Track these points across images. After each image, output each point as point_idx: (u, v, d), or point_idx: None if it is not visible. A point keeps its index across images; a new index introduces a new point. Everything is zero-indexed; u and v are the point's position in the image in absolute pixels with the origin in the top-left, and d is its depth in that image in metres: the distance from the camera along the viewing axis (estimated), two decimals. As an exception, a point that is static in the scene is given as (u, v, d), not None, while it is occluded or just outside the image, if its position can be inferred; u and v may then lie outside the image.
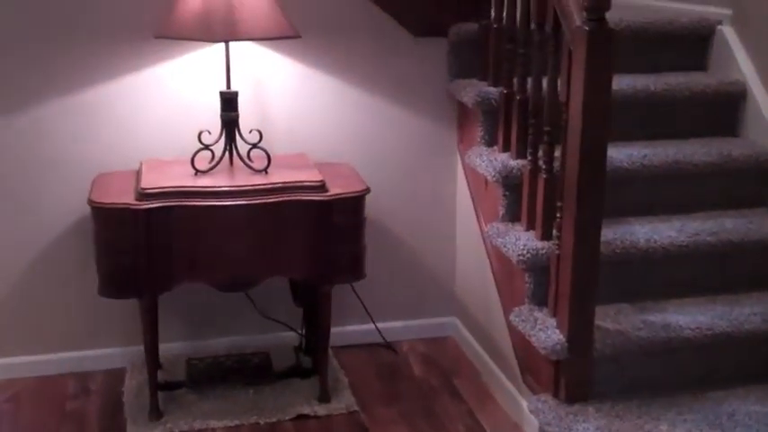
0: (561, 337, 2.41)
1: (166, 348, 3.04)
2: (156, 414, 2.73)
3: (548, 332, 2.44)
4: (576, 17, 2.22)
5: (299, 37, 2.70)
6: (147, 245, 2.56)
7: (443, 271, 3.31)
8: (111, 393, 2.93)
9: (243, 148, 2.77)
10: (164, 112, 2.93)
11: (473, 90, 2.92)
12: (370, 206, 3.05)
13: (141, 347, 2.74)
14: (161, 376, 2.94)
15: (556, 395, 2.48)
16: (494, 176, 2.75)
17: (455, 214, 3.25)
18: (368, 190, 2.75)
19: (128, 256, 2.57)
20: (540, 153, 2.56)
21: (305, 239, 2.66)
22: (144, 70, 2.89)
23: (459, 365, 3.14)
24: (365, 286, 3.13)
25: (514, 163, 2.72)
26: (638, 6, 3.44)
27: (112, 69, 2.87)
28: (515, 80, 2.72)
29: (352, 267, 2.75)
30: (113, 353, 3.08)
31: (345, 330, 3.21)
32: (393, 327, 3.29)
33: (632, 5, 3.37)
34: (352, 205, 2.71)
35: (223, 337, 3.16)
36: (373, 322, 3.23)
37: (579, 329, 2.39)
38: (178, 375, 2.97)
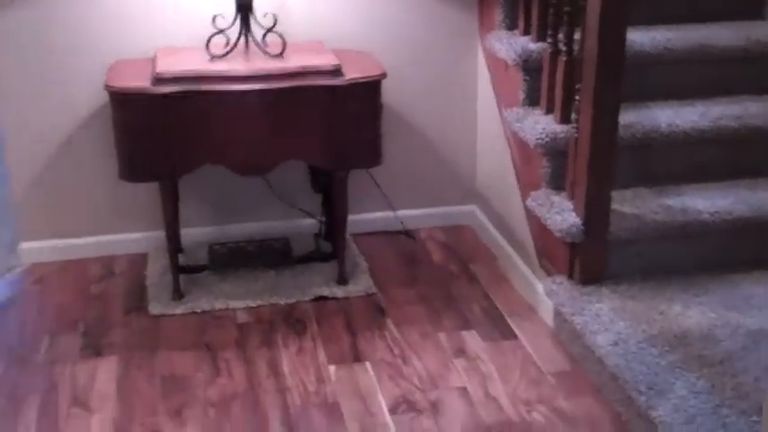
0: (577, 219, 2.41)
1: (190, 234, 3.10)
2: (177, 295, 2.80)
3: (563, 215, 2.45)
4: None
5: None
6: (164, 129, 2.57)
7: (463, 159, 3.30)
8: (134, 276, 2.99)
9: (259, 33, 2.75)
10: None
11: (493, -29, 2.85)
12: (391, 93, 3.04)
13: (164, 232, 2.79)
14: (183, 260, 3.00)
15: (571, 277, 2.50)
16: (513, 60, 2.71)
17: (476, 101, 3.22)
18: (384, 75, 2.73)
19: (145, 139, 2.59)
20: (561, 35, 2.51)
21: (320, 124, 2.65)
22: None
23: (476, 252, 3.17)
24: (385, 174, 3.15)
25: (535, 46, 2.68)
26: None
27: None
28: (536, -40, 2.66)
29: (368, 153, 2.75)
30: (137, 238, 3.13)
31: (365, 218, 3.24)
32: (413, 215, 3.30)
33: None
34: (368, 90, 2.69)
35: (245, 223, 3.19)
36: (392, 209, 3.25)
37: (595, 212, 2.40)
38: (200, 260, 3.03)
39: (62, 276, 3.01)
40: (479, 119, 3.22)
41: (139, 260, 3.09)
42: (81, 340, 2.63)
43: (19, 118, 2.94)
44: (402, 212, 3.27)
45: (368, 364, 2.49)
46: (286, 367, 2.48)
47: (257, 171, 2.78)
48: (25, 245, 3.09)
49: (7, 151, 2.99)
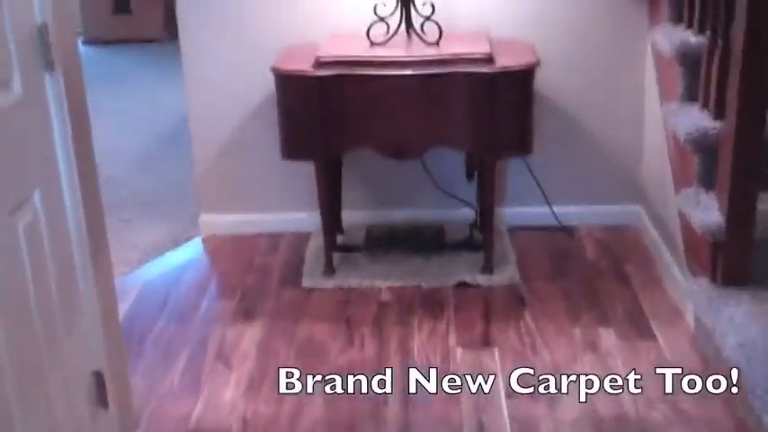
0: (720, 217, 2.31)
1: (351, 216, 3.25)
2: (329, 271, 2.94)
3: (707, 212, 2.35)
4: None
5: None
6: (320, 110, 2.72)
7: (629, 156, 3.22)
8: (295, 252, 3.17)
9: (419, 22, 2.84)
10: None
11: (660, -36, 2.78)
12: (554, 84, 3.04)
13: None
14: (342, 240, 3.15)
15: (713, 278, 2.39)
16: (671, 53, 2.63)
17: (643, 96, 3.14)
18: (536, 64, 2.73)
19: (302, 120, 2.75)
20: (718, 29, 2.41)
21: (470, 110, 2.70)
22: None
23: (634, 253, 3.08)
24: (545, 168, 3.14)
25: (695, 39, 2.58)
26: None
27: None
28: (701, -49, 2.56)
29: (518, 141, 2.77)
30: (303, 217, 3.30)
31: (523, 211, 3.24)
32: (573, 211, 3.27)
33: None
34: (519, 79, 2.70)
35: (404, 209, 3.30)
36: (548, 204, 3.23)
37: (739, 211, 2.28)
38: (357, 240, 3.16)
39: (232, 248, 3.25)
40: (646, 114, 3.14)
41: (303, 238, 3.26)
42: (236, 305, 2.84)
43: (201, 102, 3.21)
44: (561, 208, 3.24)
45: (495, 350, 2.51)
46: (415, 345, 2.55)
47: (408, 155, 2.87)
48: (204, 217, 3.36)
49: (191, 133, 3.27)
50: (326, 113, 2.72)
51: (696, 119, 2.49)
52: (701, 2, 2.56)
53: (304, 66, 2.76)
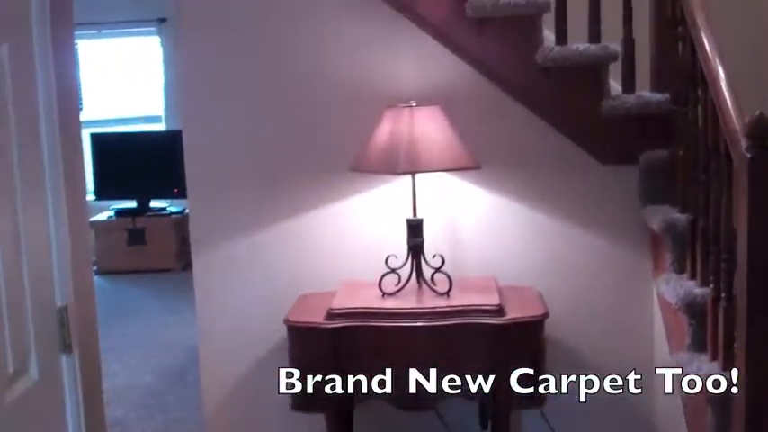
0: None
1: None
2: None
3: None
4: (739, 144, 2.19)
5: (479, 168, 2.85)
6: (333, 362, 2.74)
7: (641, 405, 3.19)
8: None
9: (429, 272, 2.92)
10: (361, 238, 3.16)
11: (660, 216, 2.89)
12: (563, 329, 3.08)
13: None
14: (352, 490, 3.07)
15: None
16: (677, 303, 2.69)
17: (653, 345, 3.16)
18: (546, 315, 2.79)
19: (314, 372, 2.77)
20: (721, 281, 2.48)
21: (482, 361, 2.73)
22: (343, 200, 3.16)
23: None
24: (559, 415, 3.11)
25: (699, 290, 2.65)
26: None
27: (315, 202, 3.16)
28: (699, 207, 2.68)
29: (531, 393, 2.77)
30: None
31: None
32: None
33: None
34: (529, 329, 2.75)
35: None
36: (565, 453, 3.18)
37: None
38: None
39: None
40: (658, 365, 3.14)
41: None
42: None
43: (212, 340, 3.24)
44: (578, 455, 3.19)
45: None
46: None
47: (421, 406, 2.86)
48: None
49: (200, 373, 3.28)
50: (338, 365, 2.75)
51: (705, 370, 2.50)
52: (703, 254, 2.65)
53: (316, 317, 2.81)
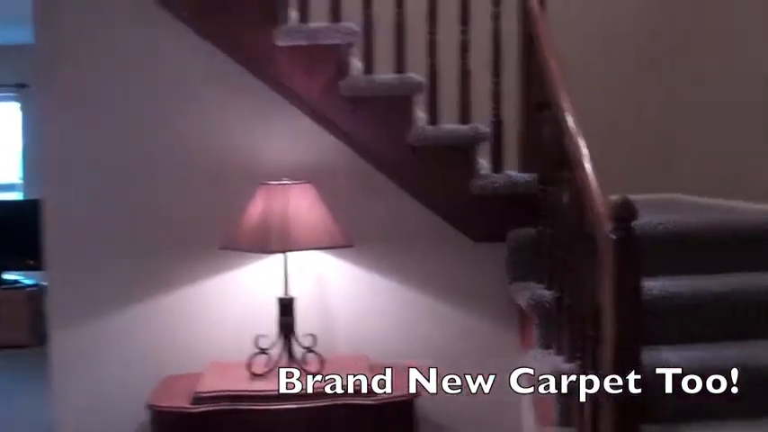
0: None
1: None
2: None
3: None
4: (605, 226, 2.27)
5: (351, 246, 2.85)
6: (201, 448, 2.64)
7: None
8: None
9: (301, 352, 2.87)
10: (230, 318, 3.08)
11: (528, 293, 2.95)
12: (433, 407, 3.06)
13: None
14: None
15: None
16: (545, 377, 2.72)
17: (520, 419, 3.19)
18: (417, 394, 2.77)
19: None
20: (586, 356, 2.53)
21: (356, 443, 2.68)
22: (212, 279, 3.07)
23: None
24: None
25: (566, 366, 2.69)
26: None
27: (183, 278, 3.07)
28: (565, 285, 2.74)
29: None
30: None
31: None
32: None
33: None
34: (402, 408, 2.73)
35: None
36: None
37: None
38: None
39: None
40: (526, 436, 3.18)
41: None
42: None
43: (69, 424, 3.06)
44: None
45: None
46: None
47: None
48: None
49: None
50: (207, 451, 2.64)
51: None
52: (569, 332, 2.71)
53: (181, 401, 2.70)
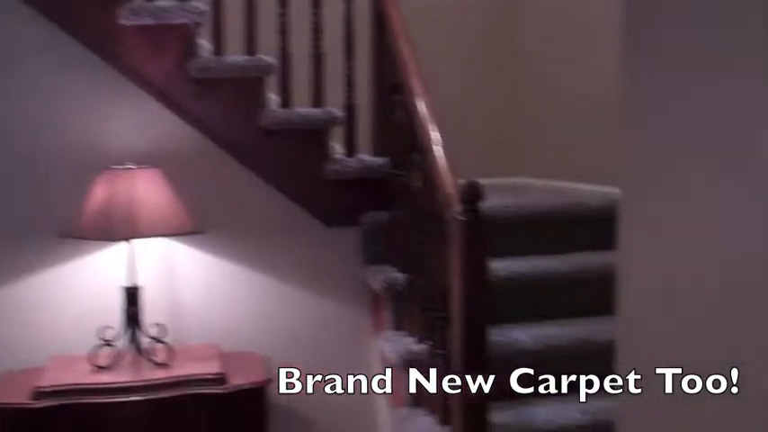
0: None
1: None
2: None
3: None
4: (453, 208, 2.29)
5: (202, 233, 2.77)
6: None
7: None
8: None
9: (149, 342, 2.78)
10: (72, 309, 2.94)
11: (381, 276, 2.96)
12: (288, 394, 3.03)
13: None
14: None
15: None
16: (397, 360, 2.74)
17: (374, 403, 3.21)
18: (270, 380, 2.73)
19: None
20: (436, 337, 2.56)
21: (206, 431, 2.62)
22: (52, 268, 2.93)
23: None
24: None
25: (417, 347, 2.72)
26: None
27: (20, 269, 2.91)
28: (417, 267, 2.77)
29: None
30: None
31: None
32: None
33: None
34: (253, 396, 2.68)
35: None
36: None
37: None
38: None
39: None
40: (378, 419, 3.19)
41: None
42: None
43: None
44: None
45: None
46: None
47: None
48: None
49: None
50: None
51: (424, 425, 2.56)
52: (420, 311, 2.73)
53: (21, 397, 2.56)
